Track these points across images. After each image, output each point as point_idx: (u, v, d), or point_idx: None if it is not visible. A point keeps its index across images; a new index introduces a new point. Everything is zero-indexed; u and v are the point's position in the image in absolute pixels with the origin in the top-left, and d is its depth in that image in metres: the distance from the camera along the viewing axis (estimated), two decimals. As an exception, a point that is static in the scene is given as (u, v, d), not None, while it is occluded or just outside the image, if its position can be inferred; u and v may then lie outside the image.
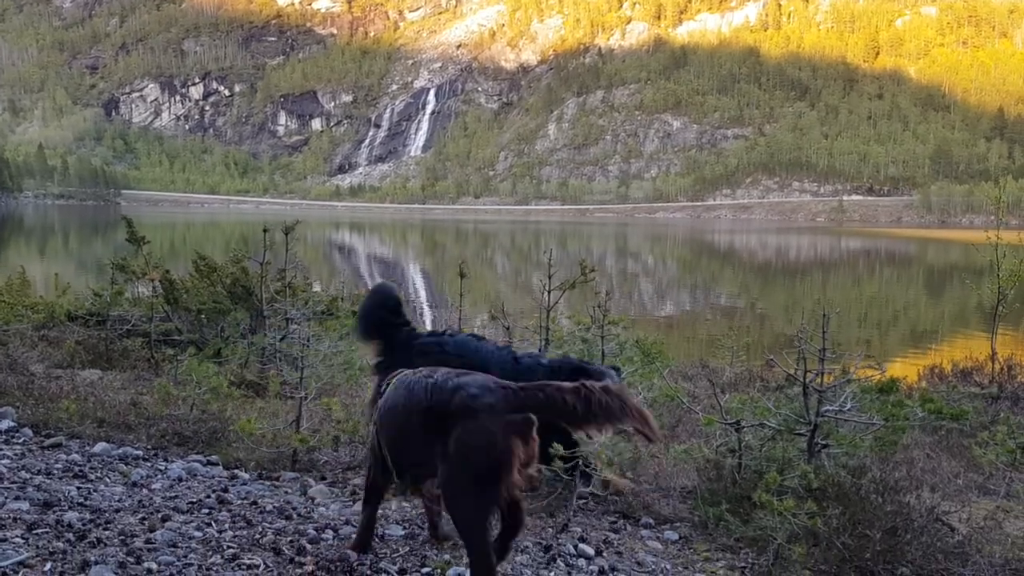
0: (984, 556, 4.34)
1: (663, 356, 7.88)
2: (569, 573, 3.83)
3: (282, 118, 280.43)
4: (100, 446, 5.44)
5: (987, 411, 8.10)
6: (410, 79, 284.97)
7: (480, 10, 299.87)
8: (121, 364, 8.89)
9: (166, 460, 5.38)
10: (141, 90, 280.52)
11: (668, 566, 4.20)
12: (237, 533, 3.80)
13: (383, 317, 4.44)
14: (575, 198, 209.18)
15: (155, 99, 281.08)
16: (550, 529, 4.47)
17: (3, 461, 4.80)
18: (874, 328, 28.10)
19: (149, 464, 5.19)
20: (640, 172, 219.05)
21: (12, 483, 4.30)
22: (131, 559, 3.30)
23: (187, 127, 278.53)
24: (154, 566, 3.25)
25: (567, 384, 3.12)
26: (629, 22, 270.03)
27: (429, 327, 20.48)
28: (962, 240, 77.59)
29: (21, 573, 3.08)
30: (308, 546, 3.68)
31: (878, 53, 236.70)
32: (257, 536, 3.78)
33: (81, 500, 4.13)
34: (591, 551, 4.17)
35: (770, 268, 60.22)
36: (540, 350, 7.51)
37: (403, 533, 3.96)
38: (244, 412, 6.60)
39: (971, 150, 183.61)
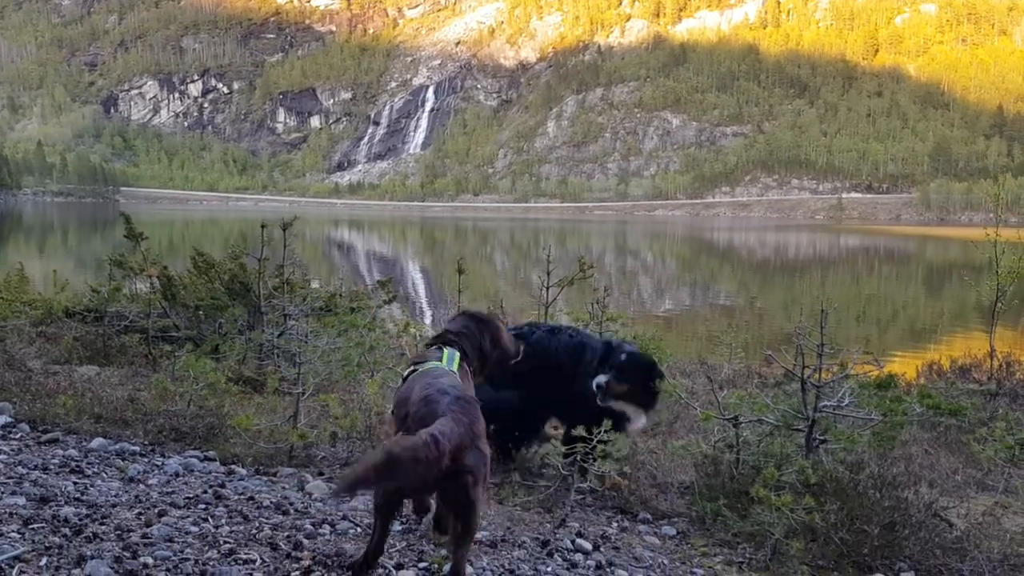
0: (982, 552, 4.34)
1: (661, 352, 7.86)
2: (567, 568, 3.83)
3: (281, 115, 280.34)
4: (97, 442, 5.43)
5: (985, 407, 8.09)
6: (409, 76, 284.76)
7: (479, 7, 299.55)
8: (118, 360, 8.87)
9: (163, 456, 5.38)
10: (140, 87, 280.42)
11: (666, 561, 4.20)
12: (234, 528, 3.79)
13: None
14: (574, 196, 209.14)
15: (154, 96, 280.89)
16: (548, 524, 4.47)
17: (0, 456, 4.79)
18: (873, 325, 28.11)
19: (146, 460, 5.18)
20: (639, 170, 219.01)
21: (9, 478, 4.29)
22: (127, 554, 3.29)
23: (186, 124, 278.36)
24: (150, 561, 3.24)
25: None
26: (628, 19, 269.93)
27: (428, 324, 20.49)
28: (961, 237, 77.64)
29: (17, 568, 3.07)
30: (305, 541, 3.68)
31: (877, 51, 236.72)
32: (254, 531, 3.77)
33: (78, 495, 4.12)
34: (589, 546, 4.16)
35: (769, 266, 60.24)
36: None
37: (400, 528, 3.95)
38: (241, 408, 6.59)
39: (970, 148, 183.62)
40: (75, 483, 4.38)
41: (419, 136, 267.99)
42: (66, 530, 3.51)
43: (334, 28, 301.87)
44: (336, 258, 54.89)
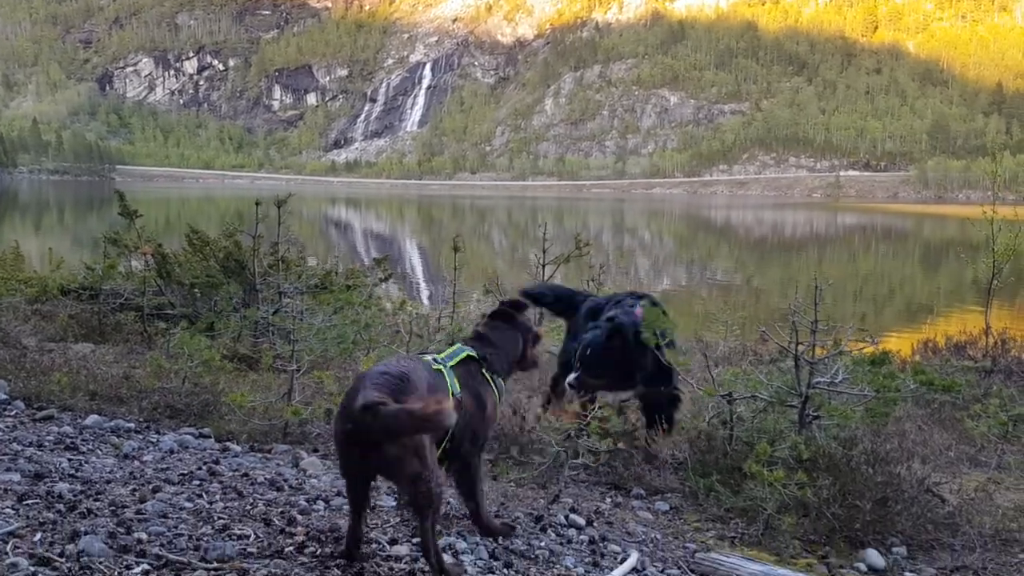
0: (974, 527, 4.37)
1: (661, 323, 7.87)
2: (560, 543, 3.84)
3: (277, 92, 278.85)
4: (92, 418, 5.44)
5: (980, 384, 8.11)
6: (406, 53, 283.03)
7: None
8: (114, 338, 8.88)
9: (158, 432, 5.39)
10: (135, 64, 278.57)
11: (658, 536, 4.22)
12: (228, 504, 3.80)
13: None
14: (572, 174, 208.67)
15: (149, 73, 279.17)
16: (541, 500, 4.48)
17: (-6, 433, 4.80)
18: (869, 303, 28.14)
19: (141, 436, 5.19)
20: (637, 148, 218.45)
21: (3, 455, 4.30)
22: (121, 529, 3.29)
23: (181, 102, 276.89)
24: (144, 536, 3.25)
25: None
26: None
27: (426, 301, 20.47)
28: (958, 215, 77.51)
29: (11, 543, 3.07)
30: (299, 517, 3.68)
31: (876, 27, 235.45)
32: (248, 507, 3.78)
33: (72, 472, 4.12)
34: (582, 521, 4.18)
35: (766, 244, 60.22)
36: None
37: (394, 503, 3.96)
38: (236, 385, 6.60)
39: (969, 125, 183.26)
40: (70, 460, 4.39)
41: (416, 114, 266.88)
42: (60, 506, 3.51)
43: (330, 4, 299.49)
44: (333, 236, 54.78)
